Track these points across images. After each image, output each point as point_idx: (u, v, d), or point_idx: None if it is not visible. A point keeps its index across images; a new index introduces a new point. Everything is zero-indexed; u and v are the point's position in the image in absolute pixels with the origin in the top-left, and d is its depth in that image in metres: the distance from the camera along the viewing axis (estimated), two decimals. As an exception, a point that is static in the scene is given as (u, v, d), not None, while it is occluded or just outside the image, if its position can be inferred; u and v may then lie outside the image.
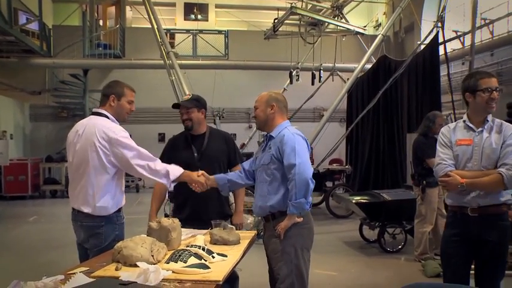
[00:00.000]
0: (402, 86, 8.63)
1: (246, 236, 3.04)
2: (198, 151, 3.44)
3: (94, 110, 2.99)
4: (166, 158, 3.48)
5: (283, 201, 2.78)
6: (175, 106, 3.47)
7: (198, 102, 3.45)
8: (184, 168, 3.33)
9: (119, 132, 2.81)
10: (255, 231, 3.34)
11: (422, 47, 8.22)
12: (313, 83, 11.62)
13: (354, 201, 6.49)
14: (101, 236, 2.82)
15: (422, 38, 9.93)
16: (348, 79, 9.03)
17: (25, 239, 7.35)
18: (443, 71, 8.30)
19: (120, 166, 2.80)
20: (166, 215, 6.85)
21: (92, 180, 2.78)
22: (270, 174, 2.85)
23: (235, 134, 14.67)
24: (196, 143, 3.47)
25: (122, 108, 2.97)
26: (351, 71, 9.56)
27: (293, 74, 11.71)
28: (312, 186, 2.72)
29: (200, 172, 3.08)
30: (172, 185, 2.93)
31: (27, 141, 14.57)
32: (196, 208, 3.34)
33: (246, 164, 3.19)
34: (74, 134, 2.92)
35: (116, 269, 2.20)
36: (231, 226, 2.95)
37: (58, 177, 13.25)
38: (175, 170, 2.92)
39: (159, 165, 2.86)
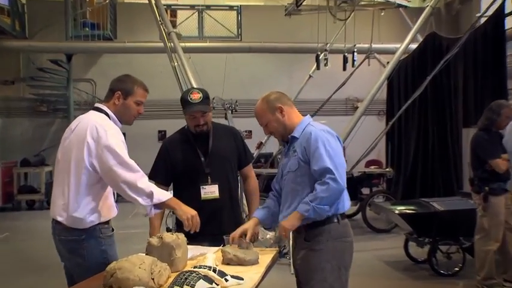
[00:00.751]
0: (457, 69, 8.55)
1: (266, 254, 3.03)
2: (205, 153, 3.44)
3: (96, 104, 3.05)
4: (163, 167, 3.49)
5: None
6: (189, 110, 3.39)
7: (209, 100, 3.45)
8: (191, 177, 3.35)
9: (111, 133, 2.83)
10: (277, 249, 3.34)
11: (483, 20, 8.10)
12: (344, 68, 11.57)
13: (397, 211, 6.47)
14: (82, 252, 2.83)
15: (483, 9, 9.78)
16: (387, 63, 8.98)
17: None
18: (509, 50, 8.16)
19: (101, 173, 2.80)
20: (168, 230, 6.88)
21: (71, 184, 2.81)
22: (300, 183, 2.87)
23: (250, 131, 14.64)
24: (200, 144, 3.47)
25: (127, 108, 2.99)
26: (392, 52, 9.48)
27: (320, 57, 11.67)
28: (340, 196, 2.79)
29: (194, 212, 2.91)
30: (154, 211, 2.85)
31: (-2, 141, 14.77)
32: (207, 220, 3.30)
33: (276, 184, 3.17)
34: (68, 129, 3.00)
35: (109, 295, 2.20)
36: (247, 242, 2.94)
37: (36, 184, 13.39)
38: (161, 194, 2.85)
39: (145, 183, 2.82)
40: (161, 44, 9.53)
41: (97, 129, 2.80)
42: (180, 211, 2.88)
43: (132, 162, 2.82)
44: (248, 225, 3.02)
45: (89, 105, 14.60)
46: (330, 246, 2.80)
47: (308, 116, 3.04)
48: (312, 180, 2.81)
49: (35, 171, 13.17)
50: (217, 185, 3.40)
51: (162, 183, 3.46)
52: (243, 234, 2.98)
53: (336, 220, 2.84)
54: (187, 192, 3.41)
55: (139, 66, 13.68)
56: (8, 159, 13.47)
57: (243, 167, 3.63)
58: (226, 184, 3.46)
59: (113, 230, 2.98)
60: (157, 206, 2.84)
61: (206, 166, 3.40)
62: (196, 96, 3.39)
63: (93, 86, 14.98)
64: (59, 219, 2.84)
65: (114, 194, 3.05)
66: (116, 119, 2.98)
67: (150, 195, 2.79)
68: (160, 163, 3.52)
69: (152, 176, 3.51)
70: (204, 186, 3.39)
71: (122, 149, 2.80)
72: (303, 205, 2.76)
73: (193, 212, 2.90)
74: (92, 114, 2.96)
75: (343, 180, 2.74)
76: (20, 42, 13.24)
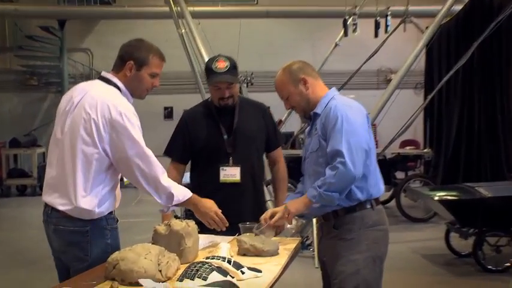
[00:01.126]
0: (509, 35, 8.40)
1: (287, 244, 3.03)
2: (228, 130, 3.44)
3: (103, 73, 2.93)
4: (180, 143, 3.50)
5: (347, 194, 2.78)
6: (212, 77, 3.38)
7: (237, 70, 3.43)
8: (210, 156, 3.37)
9: (129, 115, 2.74)
10: (299, 239, 3.35)
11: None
12: (376, 35, 11.45)
13: (436, 198, 6.44)
14: (85, 245, 2.78)
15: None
16: (426, 28, 8.84)
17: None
18: None
19: (113, 160, 2.75)
20: (177, 217, 6.93)
21: (77, 170, 2.73)
22: (321, 164, 2.85)
23: (268, 107, 14.62)
24: (223, 120, 3.46)
25: (140, 81, 2.90)
26: (432, 15, 9.33)
27: (348, 22, 11.56)
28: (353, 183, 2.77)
29: (214, 209, 2.97)
30: (171, 209, 2.91)
31: (-16, 120, 14.93)
32: (223, 205, 3.29)
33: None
34: (67, 100, 2.88)
35: (111, 290, 2.22)
36: (272, 227, 2.96)
37: (27, 167, 13.58)
38: (181, 194, 2.88)
39: (166, 180, 2.83)
40: (166, 9, 9.51)
41: (109, 110, 2.70)
42: (198, 211, 2.95)
43: (151, 153, 2.79)
44: (279, 209, 2.98)
45: (85, 78, 14.67)
46: (362, 236, 2.81)
47: (333, 88, 3.02)
48: None
49: (26, 152, 13.28)
50: (239, 168, 3.39)
51: (178, 161, 3.51)
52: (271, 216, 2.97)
53: (369, 206, 2.84)
54: (205, 173, 3.44)
55: (142, 34, 13.47)
56: (-4, 139, 13.61)
57: (271, 150, 3.61)
58: (249, 167, 3.45)
59: (117, 220, 2.96)
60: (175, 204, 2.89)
61: (228, 145, 3.40)
62: (222, 65, 3.36)
63: (90, 56, 15.05)
64: (60, 208, 2.76)
65: (123, 179, 3.02)
66: (128, 94, 2.90)
67: (170, 197, 2.82)
68: (178, 138, 3.53)
69: (168, 152, 3.55)
70: (224, 168, 3.39)
71: (140, 136, 2.76)
72: (311, 190, 2.78)
73: (214, 209, 2.94)
74: (99, 86, 2.85)
75: (356, 165, 2.68)
76: (4, 5, 13.26)
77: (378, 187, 2.89)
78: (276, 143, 3.63)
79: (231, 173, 3.38)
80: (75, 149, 2.74)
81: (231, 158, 3.38)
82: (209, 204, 2.98)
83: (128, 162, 2.74)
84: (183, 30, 9.04)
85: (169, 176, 3.05)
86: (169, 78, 14.12)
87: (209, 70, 3.39)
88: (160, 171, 2.81)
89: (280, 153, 3.70)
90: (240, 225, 3.04)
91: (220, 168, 3.39)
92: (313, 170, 2.92)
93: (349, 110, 2.80)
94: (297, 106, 3.00)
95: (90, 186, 2.74)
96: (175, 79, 13.92)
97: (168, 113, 15.06)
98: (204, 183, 3.42)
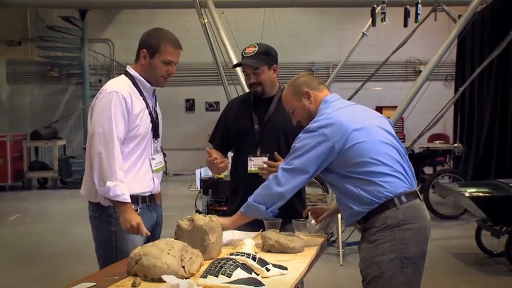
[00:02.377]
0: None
1: (313, 241, 3.04)
2: (260, 120, 3.46)
3: (126, 67, 3.17)
4: (220, 129, 3.59)
5: (367, 199, 2.79)
6: (237, 65, 3.51)
7: (268, 57, 3.43)
8: (240, 145, 3.45)
9: (108, 95, 2.95)
10: (325, 235, 3.35)
11: None
12: (406, 25, 11.30)
13: (467, 194, 6.38)
14: (95, 230, 3.11)
15: None
16: (459, 16, 8.75)
17: (5, 245, 7.68)
18: None
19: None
20: (198, 212, 7.00)
21: (86, 153, 3.05)
22: (328, 179, 2.96)
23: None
24: (258, 109, 3.49)
25: (154, 69, 3.06)
26: (465, 3, 9.22)
27: (377, 11, 11.45)
28: (283, 201, 2.88)
29: (136, 222, 2.99)
30: (105, 201, 2.99)
31: (5, 112, 15.20)
32: (248, 196, 3.35)
33: None
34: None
35: (133, 285, 2.23)
36: (314, 224, 3.07)
37: (49, 160, 13.74)
38: (120, 190, 2.92)
39: (120, 174, 2.93)
40: (189, -2, 9.52)
41: (101, 90, 3.00)
42: (123, 216, 2.94)
43: (117, 145, 2.93)
44: (329, 207, 3.15)
45: (105, 70, 14.80)
46: (386, 237, 2.77)
47: (327, 98, 3.00)
48: (341, 171, 2.83)
49: (47, 145, 13.41)
50: (266, 159, 3.39)
51: (217, 148, 3.57)
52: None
53: (392, 205, 2.79)
54: (236, 161, 3.52)
55: (164, 24, 13.60)
56: (17, 131, 13.80)
57: None
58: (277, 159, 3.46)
59: (136, 210, 3.04)
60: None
61: (258, 135, 3.43)
62: (250, 50, 3.41)
63: (111, 47, 15.16)
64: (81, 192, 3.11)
65: (151, 164, 3.13)
66: (144, 81, 3.06)
67: (114, 185, 2.89)
68: (219, 125, 3.61)
69: (210, 140, 3.65)
70: (252, 158, 3.42)
71: (110, 118, 2.91)
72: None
73: (136, 222, 2.93)
74: (118, 77, 3.14)
75: (290, 185, 2.82)
76: (26, -4, 13.40)
77: (403, 184, 2.85)
78: None
79: (259, 164, 3.38)
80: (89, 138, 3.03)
81: (259, 147, 3.40)
82: (137, 217, 2.97)
83: (90, 140, 2.96)
84: (206, 20, 9.05)
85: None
86: (191, 70, 14.22)
87: (241, 55, 3.47)
88: (120, 160, 2.94)
89: None
90: (264, 220, 3.05)
91: (248, 158, 3.42)
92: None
93: (310, 137, 2.84)
94: (302, 120, 3.04)
95: (89, 170, 3.01)
96: (197, 70, 13.99)
97: (190, 106, 15.07)
98: (235, 172, 3.52)
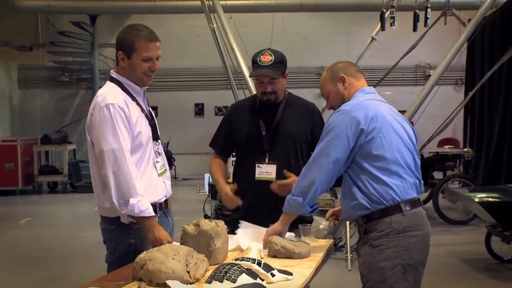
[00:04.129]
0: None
1: (319, 246, 3.03)
2: (268, 127, 3.43)
3: (110, 72, 3.05)
4: (222, 134, 3.56)
5: (373, 197, 2.76)
6: (255, 69, 3.39)
7: (283, 65, 3.41)
8: (247, 152, 3.41)
9: (105, 109, 2.82)
10: (332, 240, 3.34)
11: None
12: (415, 29, 11.30)
13: (477, 199, 6.35)
14: (111, 243, 2.98)
15: None
16: (469, 20, 8.72)
17: (15, 249, 7.72)
18: None
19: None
20: (206, 216, 7.02)
21: (94, 169, 2.94)
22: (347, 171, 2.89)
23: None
24: (265, 115, 3.46)
25: (134, 69, 2.93)
26: (475, 7, 9.22)
27: (386, 15, 11.44)
28: (318, 192, 2.85)
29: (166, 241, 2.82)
30: (127, 218, 2.87)
31: (16, 116, 15.29)
32: (257, 205, 3.36)
33: None
34: None
35: (138, 290, 2.24)
36: (322, 229, 3.10)
37: (59, 164, 13.83)
38: (144, 205, 2.81)
39: (139, 186, 2.82)
40: (198, 2, 9.55)
41: (94, 102, 2.88)
42: (152, 234, 2.82)
43: (124, 151, 2.81)
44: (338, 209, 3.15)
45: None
46: (391, 242, 2.75)
47: (364, 88, 2.98)
48: (360, 162, 2.80)
49: (57, 149, 13.54)
50: (275, 166, 3.38)
51: (219, 153, 3.57)
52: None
53: (398, 211, 2.78)
54: (242, 168, 3.49)
55: (173, 29, 13.80)
56: (28, 135, 13.89)
57: None
58: (286, 167, 3.39)
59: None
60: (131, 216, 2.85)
61: (266, 142, 3.40)
62: (266, 58, 3.36)
63: (121, 52, 15.20)
64: (95, 208, 3.00)
65: (156, 168, 3.04)
66: (133, 84, 2.96)
67: (132, 204, 2.78)
68: (221, 131, 3.58)
69: (211, 143, 3.62)
70: (260, 165, 3.40)
71: (115, 131, 2.80)
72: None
73: (167, 241, 2.81)
74: (104, 86, 2.99)
75: (318, 174, 2.81)
76: (38, 1, 13.46)
77: (412, 191, 2.83)
78: None
79: (266, 171, 3.38)
80: (90, 151, 2.93)
81: (267, 155, 3.38)
82: (164, 233, 2.86)
83: (101, 156, 2.82)
84: (215, 25, 9.06)
85: (212, 162, 3.45)
86: (200, 74, 14.25)
87: (253, 62, 3.41)
88: (137, 177, 2.83)
89: None
90: (300, 226, 3.09)
91: (256, 165, 3.40)
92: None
93: (340, 118, 2.81)
94: (334, 105, 3.01)
95: (102, 186, 2.90)
96: (206, 75, 14.00)
97: (199, 110, 15.08)
98: (241, 178, 3.47)
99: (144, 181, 2.93)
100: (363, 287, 2.84)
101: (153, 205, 2.93)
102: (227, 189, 3.35)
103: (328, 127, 2.81)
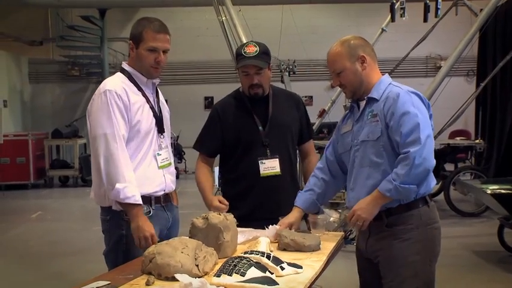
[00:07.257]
0: None
1: (329, 239, 3.01)
2: (263, 122, 3.42)
3: (122, 63, 3.13)
4: (213, 137, 3.48)
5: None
6: (240, 61, 3.35)
7: (268, 57, 3.39)
8: (246, 149, 3.38)
9: (102, 95, 2.89)
10: (342, 233, 3.32)
11: None
12: (425, 20, 11.20)
13: (489, 191, 6.34)
14: (106, 234, 3.06)
15: None
16: (481, 10, 8.64)
17: (26, 242, 7.78)
18: None
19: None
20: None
21: (91, 158, 3.01)
22: (380, 154, 2.75)
23: (311, 97, 14.61)
24: (257, 110, 3.44)
25: (140, 59, 2.98)
26: (486, -3, 9.14)
27: (396, 6, 11.36)
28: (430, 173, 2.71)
29: (150, 233, 2.89)
30: (117, 204, 2.89)
31: (27, 110, 15.35)
32: (263, 201, 3.36)
33: (331, 156, 3.09)
34: None
35: (147, 284, 2.24)
36: (332, 222, 3.03)
37: (70, 158, 13.91)
38: (130, 191, 2.82)
39: (128, 172, 2.84)
40: (207, -5, 9.52)
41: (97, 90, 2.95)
42: (136, 223, 2.84)
43: (123, 143, 2.86)
44: (293, 219, 3.04)
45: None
46: (420, 235, 2.72)
47: (387, 75, 2.93)
48: (390, 152, 2.72)
49: (68, 143, 13.64)
50: (277, 159, 3.38)
51: (207, 155, 3.53)
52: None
53: (425, 202, 2.75)
54: (242, 166, 3.43)
55: (182, 22, 13.80)
56: (39, 130, 14.03)
57: (304, 142, 3.60)
58: (287, 159, 3.45)
59: (149, 212, 3.00)
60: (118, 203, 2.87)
61: (265, 137, 3.39)
62: (251, 50, 3.34)
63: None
64: (91, 196, 3.04)
65: (156, 160, 3.04)
66: (139, 75, 3.00)
67: (122, 188, 2.80)
68: (210, 131, 3.51)
69: (197, 146, 3.56)
70: (263, 161, 3.37)
71: (104, 119, 2.84)
72: (385, 183, 2.64)
73: (150, 233, 2.85)
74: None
75: (430, 155, 2.62)
76: (47, -4, 13.54)
77: (431, 182, 2.79)
78: (308, 135, 3.62)
79: (270, 166, 3.37)
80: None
81: (268, 149, 3.37)
82: (149, 225, 2.88)
83: (94, 140, 2.88)
84: (224, 18, 9.04)
85: (200, 170, 3.38)
86: (210, 67, 14.25)
87: (238, 55, 3.39)
88: (127, 159, 2.87)
89: (312, 146, 3.70)
90: (280, 218, 3.06)
91: (259, 161, 3.37)
92: (370, 161, 2.78)
93: (417, 99, 2.74)
94: (347, 85, 2.85)
95: (94, 175, 2.98)
96: (216, 68, 13.99)
97: (209, 103, 15.04)
98: (242, 176, 3.42)
99: (140, 171, 2.95)
100: (388, 281, 2.75)
101: (148, 197, 2.96)
102: (215, 202, 3.29)
103: (411, 110, 2.66)
